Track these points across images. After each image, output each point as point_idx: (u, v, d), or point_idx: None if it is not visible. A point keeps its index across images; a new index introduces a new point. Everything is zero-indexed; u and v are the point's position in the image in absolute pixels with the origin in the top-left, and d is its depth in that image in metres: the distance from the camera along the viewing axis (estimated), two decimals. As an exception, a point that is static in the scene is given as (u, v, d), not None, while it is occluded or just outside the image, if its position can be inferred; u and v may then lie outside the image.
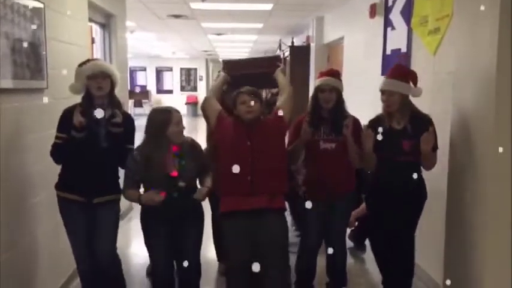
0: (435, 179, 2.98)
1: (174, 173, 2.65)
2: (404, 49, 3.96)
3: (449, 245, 2.93)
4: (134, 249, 4.22)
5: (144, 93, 19.33)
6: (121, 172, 2.86)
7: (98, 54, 4.75)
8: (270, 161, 2.67)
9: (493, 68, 2.41)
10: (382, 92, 2.83)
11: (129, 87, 5.94)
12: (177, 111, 2.74)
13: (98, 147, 2.70)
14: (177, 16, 7.23)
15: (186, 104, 19.16)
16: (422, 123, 2.75)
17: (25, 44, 2.69)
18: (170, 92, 19.93)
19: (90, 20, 4.47)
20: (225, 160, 2.66)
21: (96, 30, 4.75)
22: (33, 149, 2.88)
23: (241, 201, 2.64)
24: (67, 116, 2.70)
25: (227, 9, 6.77)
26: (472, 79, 2.65)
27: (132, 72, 18.87)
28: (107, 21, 4.78)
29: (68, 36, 3.41)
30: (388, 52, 4.37)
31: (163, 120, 2.68)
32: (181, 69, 19.94)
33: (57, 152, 2.73)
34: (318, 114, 2.96)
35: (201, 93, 19.68)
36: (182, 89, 20.07)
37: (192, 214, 2.78)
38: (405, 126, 2.80)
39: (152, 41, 11.62)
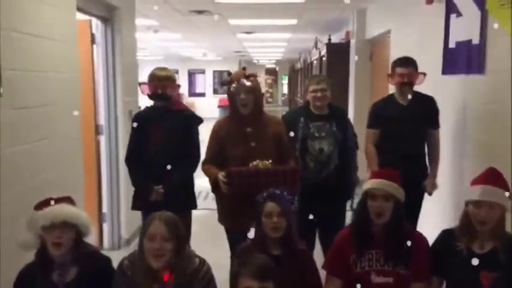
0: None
1: None
2: (476, 40, 3.04)
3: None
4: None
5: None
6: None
7: (98, 54, 4.06)
8: None
9: None
10: (476, 203, 1.97)
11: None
12: (162, 219, 1.94)
13: None
14: (200, 12, 6.53)
15: (218, 107, 18.63)
16: None
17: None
18: (203, 95, 19.52)
19: (89, 13, 3.80)
20: None
21: (97, 25, 4.06)
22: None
23: None
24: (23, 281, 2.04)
25: (255, 3, 5.99)
26: None
27: (164, 75, 18.50)
28: (110, 15, 4.08)
29: (39, 29, 2.69)
30: (452, 45, 3.45)
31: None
32: (214, 71, 19.43)
33: None
34: (367, 231, 2.12)
35: (234, 96, 19.04)
36: (215, 91, 19.55)
37: None
38: (490, 252, 1.96)
39: (179, 41, 11.02)
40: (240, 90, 2.60)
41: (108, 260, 2.11)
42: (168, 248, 1.88)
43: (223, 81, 2.75)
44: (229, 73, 2.77)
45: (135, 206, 3.07)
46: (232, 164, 2.58)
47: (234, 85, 2.62)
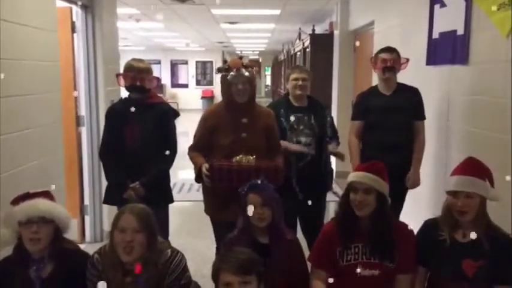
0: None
1: None
2: (460, 31, 3.05)
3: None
4: None
5: (159, 87, 18.68)
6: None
7: (79, 42, 3.96)
8: None
9: None
10: (454, 193, 1.98)
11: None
12: (133, 211, 1.91)
13: None
14: (182, 0, 6.42)
15: (201, 98, 18.52)
16: (502, 244, 1.94)
17: None
18: (185, 86, 19.32)
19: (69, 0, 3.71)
20: None
21: (78, 13, 3.96)
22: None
23: None
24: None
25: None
26: None
27: (146, 65, 18.25)
28: (90, 2, 3.97)
29: (18, 16, 2.59)
30: (436, 36, 3.46)
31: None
32: (196, 62, 19.24)
33: None
34: (352, 224, 2.10)
35: (217, 87, 18.93)
36: (198, 82, 19.39)
37: None
38: (473, 241, 1.95)
39: (162, 31, 10.86)
40: (239, 80, 2.55)
41: (86, 257, 2.06)
42: (140, 240, 1.86)
43: (220, 68, 2.68)
44: (225, 60, 2.72)
45: (108, 200, 2.98)
46: (219, 154, 2.54)
47: (232, 73, 2.56)
